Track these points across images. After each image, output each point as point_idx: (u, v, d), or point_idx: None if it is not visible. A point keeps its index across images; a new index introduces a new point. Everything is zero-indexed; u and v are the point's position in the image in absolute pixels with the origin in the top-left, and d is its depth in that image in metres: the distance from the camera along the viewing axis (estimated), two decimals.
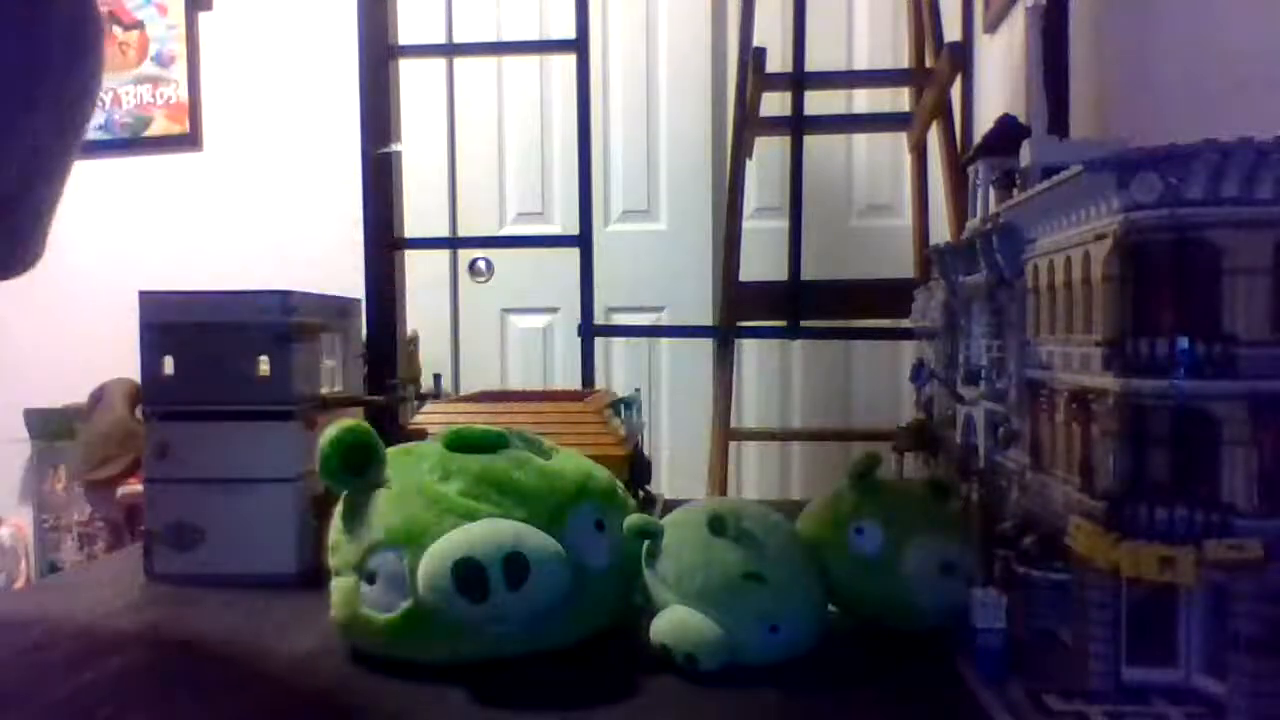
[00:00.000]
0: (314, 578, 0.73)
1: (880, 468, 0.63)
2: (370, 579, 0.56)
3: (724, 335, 1.64)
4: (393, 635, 0.55)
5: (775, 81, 1.59)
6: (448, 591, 0.51)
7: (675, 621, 0.55)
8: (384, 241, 1.53)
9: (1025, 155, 0.61)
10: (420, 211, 1.89)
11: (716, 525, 0.56)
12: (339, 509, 0.61)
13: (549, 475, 0.59)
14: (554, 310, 2.29)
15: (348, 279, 1.37)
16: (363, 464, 0.59)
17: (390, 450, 0.62)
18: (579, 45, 1.49)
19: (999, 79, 1.66)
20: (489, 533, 0.53)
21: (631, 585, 0.61)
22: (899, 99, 1.88)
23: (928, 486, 0.65)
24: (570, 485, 0.59)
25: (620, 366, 2.25)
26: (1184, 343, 0.45)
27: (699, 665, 0.54)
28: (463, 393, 1.48)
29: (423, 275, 2.07)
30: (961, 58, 1.47)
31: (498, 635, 0.55)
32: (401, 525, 0.55)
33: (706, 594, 0.55)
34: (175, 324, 0.77)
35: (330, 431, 0.59)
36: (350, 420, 0.60)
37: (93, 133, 2.43)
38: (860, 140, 2.17)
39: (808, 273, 1.55)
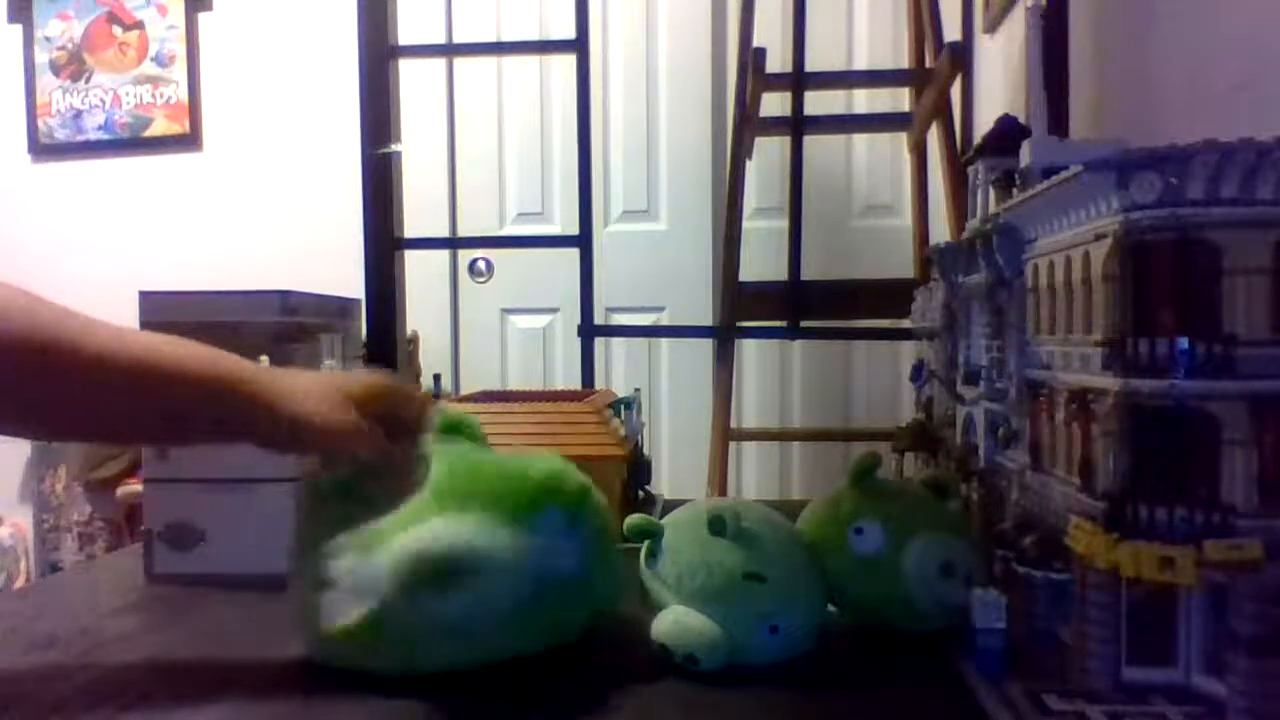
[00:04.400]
0: None
1: (880, 468, 0.63)
2: (328, 586, 0.54)
3: (724, 335, 1.63)
4: (350, 642, 0.54)
5: (775, 81, 1.59)
6: (414, 589, 0.51)
7: (675, 621, 0.55)
8: (384, 241, 1.53)
9: (1025, 155, 0.61)
10: (420, 211, 1.89)
11: (716, 525, 0.56)
12: (295, 513, 0.60)
13: (512, 477, 0.58)
14: (554, 310, 2.29)
15: (348, 279, 1.37)
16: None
17: None
18: (579, 45, 1.49)
19: (999, 79, 1.66)
20: (446, 532, 0.53)
21: (609, 590, 0.60)
22: (899, 99, 1.87)
23: (927, 486, 0.65)
24: (534, 486, 0.57)
25: (620, 366, 2.24)
26: (1184, 343, 0.45)
27: (699, 665, 0.54)
28: (463, 393, 1.48)
29: (423, 275, 2.07)
30: (961, 58, 1.47)
31: (456, 643, 0.53)
32: (360, 529, 0.55)
33: (706, 594, 0.55)
34: (175, 324, 0.77)
35: None
36: None
37: (93, 133, 2.43)
38: (860, 140, 2.17)
39: (808, 273, 1.55)
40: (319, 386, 0.59)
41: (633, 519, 0.60)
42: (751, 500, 0.64)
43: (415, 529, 0.53)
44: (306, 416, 0.56)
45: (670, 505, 0.99)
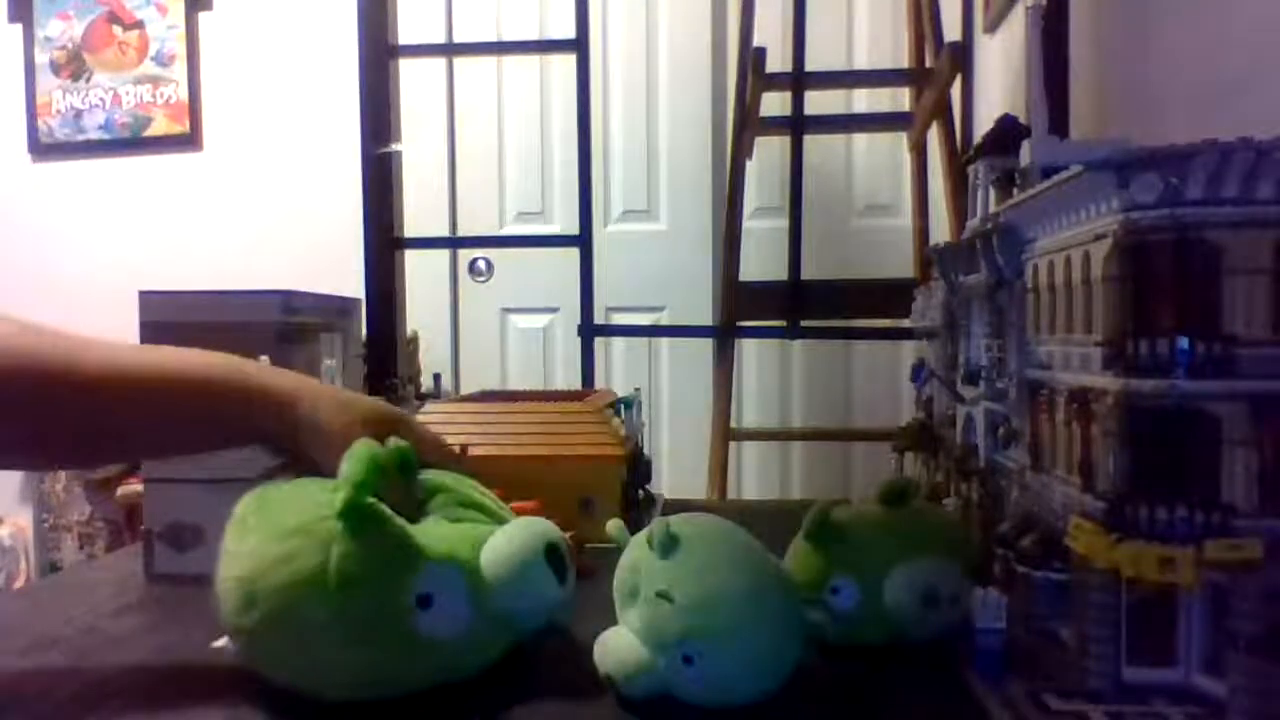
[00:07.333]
0: None
1: (829, 517, 0.59)
2: (424, 603, 0.51)
3: (724, 335, 1.64)
4: (459, 653, 0.52)
5: (775, 81, 1.59)
6: (542, 575, 0.53)
7: (605, 638, 0.52)
8: (384, 241, 1.53)
9: (1025, 155, 0.61)
10: (420, 211, 1.89)
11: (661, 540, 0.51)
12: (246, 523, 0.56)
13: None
14: (554, 310, 2.29)
15: (348, 279, 1.37)
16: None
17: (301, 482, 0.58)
18: (579, 45, 1.49)
19: (999, 79, 1.66)
20: (540, 526, 0.55)
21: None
22: (899, 99, 1.88)
23: (884, 500, 0.61)
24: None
25: (620, 366, 2.24)
26: (1184, 343, 0.45)
27: (615, 687, 0.50)
28: (463, 393, 1.48)
29: (423, 275, 2.07)
30: (961, 58, 1.47)
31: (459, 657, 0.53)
32: (448, 541, 0.53)
33: (624, 605, 0.52)
34: (175, 323, 0.77)
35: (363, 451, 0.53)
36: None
37: (93, 132, 2.43)
38: (860, 140, 2.17)
39: (808, 273, 1.55)
40: (328, 396, 0.60)
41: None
42: (722, 521, 0.55)
43: (511, 524, 0.55)
44: (319, 423, 0.56)
45: (670, 505, 0.99)
